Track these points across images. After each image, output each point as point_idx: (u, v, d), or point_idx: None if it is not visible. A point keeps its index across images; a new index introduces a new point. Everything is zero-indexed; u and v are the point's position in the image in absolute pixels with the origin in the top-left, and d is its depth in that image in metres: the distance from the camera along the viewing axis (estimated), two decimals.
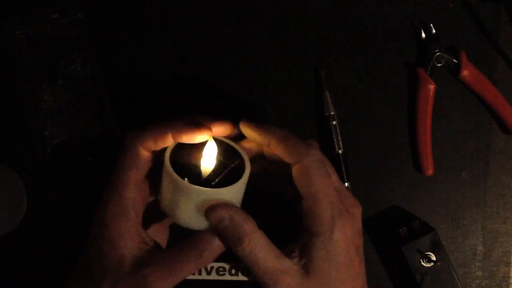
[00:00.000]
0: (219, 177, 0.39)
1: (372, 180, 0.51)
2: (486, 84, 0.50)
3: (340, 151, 0.50)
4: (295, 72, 0.51)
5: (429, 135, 0.50)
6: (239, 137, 0.42)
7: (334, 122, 0.50)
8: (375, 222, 0.50)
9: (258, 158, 0.42)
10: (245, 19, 0.51)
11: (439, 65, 0.50)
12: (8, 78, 0.50)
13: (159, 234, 0.43)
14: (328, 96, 0.50)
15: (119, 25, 0.51)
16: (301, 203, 0.38)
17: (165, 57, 0.51)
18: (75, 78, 0.50)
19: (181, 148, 0.40)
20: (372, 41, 0.51)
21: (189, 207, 0.37)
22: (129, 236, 0.37)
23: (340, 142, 0.50)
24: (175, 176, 0.36)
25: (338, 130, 0.50)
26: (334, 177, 0.39)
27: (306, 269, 0.36)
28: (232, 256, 0.39)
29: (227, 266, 0.45)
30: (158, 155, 0.39)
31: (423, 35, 0.51)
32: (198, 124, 0.38)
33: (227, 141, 0.41)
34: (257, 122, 0.40)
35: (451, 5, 0.51)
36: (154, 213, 0.41)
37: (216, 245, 0.37)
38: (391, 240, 0.49)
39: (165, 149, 0.39)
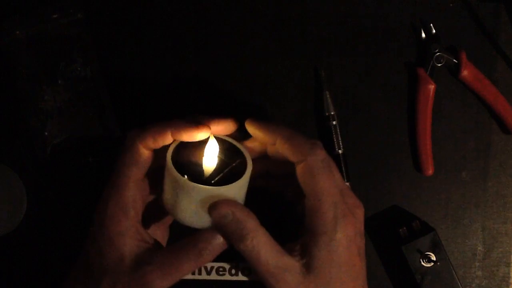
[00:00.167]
0: (220, 176, 0.40)
1: (372, 180, 0.51)
2: (486, 84, 0.50)
3: (340, 151, 0.50)
4: (295, 72, 0.51)
5: (429, 135, 0.50)
6: (243, 136, 0.42)
7: (334, 122, 0.50)
8: (375, 222, 0.50)
9: (261, 158, 0.42)
10: (245, 19, 0.51)
11: (439, 65, 0.50)
12: (8, 78, 0.50)
13: (159, 233, 0.43)
14: (328, 96, 0.50)
15: (119, 25, 0.51)
16: (303, 202, 0.38)
17: (165, 57, 0.51)
18: (75, 78, 0.50)
19: (183, 147, 0.40)
20: (372, 41, 0.51)
21: (190, 205, 0.37)
22: (128, 235, 0.37)
23: (340, 142, 0.50)
24: (177, 174, 0.37)
25: (338, 130, 0.50)
26: (338, 177, 0.39)
27: (307, 267, 0.36)
28: (232, 256, 0.39)
29: (227, 266, 0.45)
30: (158, 154, 0.40)
31: (423, 35, 0.51)
32: (197, 123, 0.38)
33: (230, 140, 0.41)
34: (263, 120, 0.40)
35: (451, 5, 0.51)
36: (154, 212, 0.41)
37: (216, 244, 0.37)
38: (391, 240, 0.49)
39: (166, 148, 0.39)
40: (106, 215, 0.37)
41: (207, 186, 0.37)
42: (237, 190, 0.38)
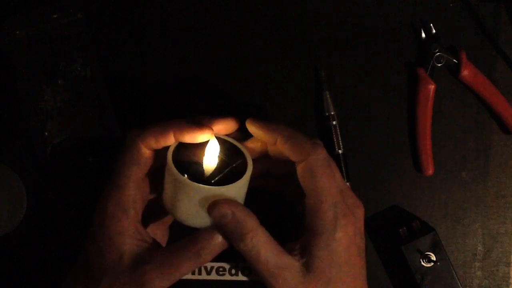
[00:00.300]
0: (220, 175, 0.40)
1: (372, 180, 0.51)
2: (486, 84, 0.50)
3: (340, 151, 0.50)
4: (295, 72, 0.51)
5: (429, 135, 0.50)
6: (243, 137, 0.42)
7: (334, 122, 0.50)
8: (375, 222, 0.50)
9: (261, 158, 0.42)
10: (245, 19, 0.51)
11: (439, 65, 0.50)
12: (8, 78, 0.50)
13: (158, 233, 0.43)
14: (328, 96, 0.50)
15: (119, 25, 0.51)
16: (304, 202, 0.38)
17: (165, 57, 0.51)
18: (75, 78, 0.50)
19: (183, 146, 0.40)
20: (372, 41, 0.51)
21: (190, 204, 0.37)
22: (128, 234, 0.37)
23: (340, 142, 0.50)
24: (177, 173, 0.37)
25: (338, 130, 0.50)
26: (338, 176, 0.39)
27: (307, 267, 0.36)
28: (232, 256, 0.39)
29: (227, 266, 0.45)
30: (158, 153, 0.40)
31: (423, 35, 0.51)
32: (200, 124, 0.38)
33: (230, 140, 0.41)
34: (264, 120, 0.40)
35: (451, 5, 0.51)
36: (154, 211, 0.41)
37: (216, 243, 0.37)
38: (391, 240, 0.49)
39: (167, 147, 0.39)
40: (106, 215, 0.37)
41: (207, 186, 0.37)
42: (237, 190, 0.38)
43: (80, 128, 0.50)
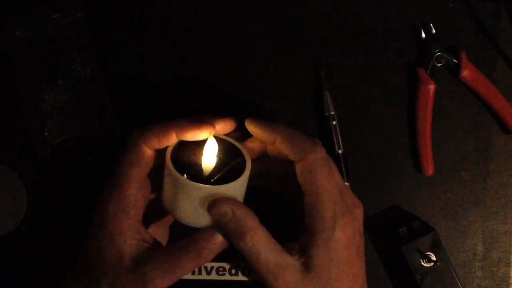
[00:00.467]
0: (219, 175, 0.40)
1: (372, 180, 0.51)
2: (486, 84, 0.50)
3: (340, 151, 0.50)
4: (295, 72, 0.51)
5: (429, 135, 0.50)
6: (243, 136, 0.42)
7: (334, 122, 0.50)
8: (375, 222, 0.50)
9: (261, 158, 0.42)
10: (245, 19, 0.51)
11: (439, 65, 0.50)
12: (8, 78, 0.50)
13: (159, 233, 0.43)
14: (328, 96, 0.50)
15: (119, 25, 0.51)
16: (303, 201, 0.38)
17: (165, 57, 0.51)
18: (75, 78, 0.50)
19: (182, 146, 0.40)
20: (372, 41, 0.51)
21: (189, 204, 0.37)
22: (129, 234, 0.37)
23: (340, 142, 0.50)
24: (176, 173, 0.37)
25: (338, 130, 0.50)
26: (337, 176, 0.39)
27: (307, 266, 0.36)
28: (232, 256, 0.39)
29: (227, 266, 0.45)
30: (161, 154, 0.40)
31: (423, 35, 0.51)
32: (202, 122, 0.38)
33: (229, 139, 0.41)
34: (263, 120, 0.40)
35: (451, 5, 0.51)
36: (154, 211, 0.41)
37: (216, 243, 0.37)
38: (391, 240, 0.49)
39: (167, 147, 0.39)
40: (106, 215, 0.37)
41: (207, 185, 0.37)
42: (236, 189, 0.38)
43: (80, 128, 0.50)
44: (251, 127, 0.41)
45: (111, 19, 0.51)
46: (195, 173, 0.39)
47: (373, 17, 0.51)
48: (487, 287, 0.50)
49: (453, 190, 0.51)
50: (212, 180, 0.39)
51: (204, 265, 0.44)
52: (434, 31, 0.51)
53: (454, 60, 0.50)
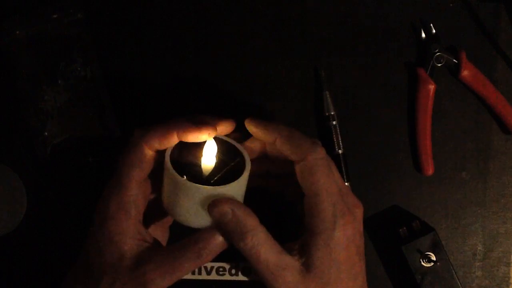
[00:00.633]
0: (218, 175, 0.40)
1: (372, 180, 0.51)
2: (486, 84, 0.50)
3: (340, 151, 0.50)
4: (295, 72, 0.51)
5: (429, 135, 0.50)
6: (243, 137, 0.42)
7: (334, 122, 0.50)
8: (375, 222, 0.50)
9: (260, 158, 0.42)
10: (245, 19, 0.51)
11: (439, 65, 0.50)
12: (8, 78, 0.50)
13: (159, 233, 0.43)
14: (328, 96, 0.50)
15: (119, 25, 0.51)
16: (303, 201, 0.38)
17: (165, 57, 0.51)
18: (75, 78, 0.50)
19: (181, 147, 0.40)
20: (372, 41, 0.51)
21: (188, 205, 0.37)
22: (129, 234, 0.37)
23: (340, 142, 0.50)
24: (175, 174, 0.37)
25: (338, 130, 0.50)
26: (337, 176, 0.39)
27: (307, 267, 0.36)
28: (232, 256, 0.39)
29: (227, 266, 0.45)
30: (161, 154, 0.40)
31: (423, 35, 0.51)
32: (203, 123, 0.38)
33: (228, 139, 0.41)
34: (263, 119, 0.40)
35: (451, 5, 0.51)
36: (154, 211, 0.41)
37: (216, 243, 0.37)
38: (391, 240, 0.49)
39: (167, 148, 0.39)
40: (107, 215, 0.37)
41: (206, 186, 0.37)
42: (236, 189, 0.38)
43: (80, 128, 0.50)
44: (251, 127, 0.41)
45: (111, 19, 0.51)
46: (195, 174, 0.39)
47: (373, 17, 0.51)
48: (487, 287, 0.50)
49: (453, 190, 0.51)
50: (211, 181, 0.39)
51: (204, 265, 0.44)
52: (434, 31, 0.51)
53: (454, 60, 0.50)
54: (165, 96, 0.51)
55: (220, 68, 0.51)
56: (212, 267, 0.45)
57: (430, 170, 0.50)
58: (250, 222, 0.36)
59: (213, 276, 0.45)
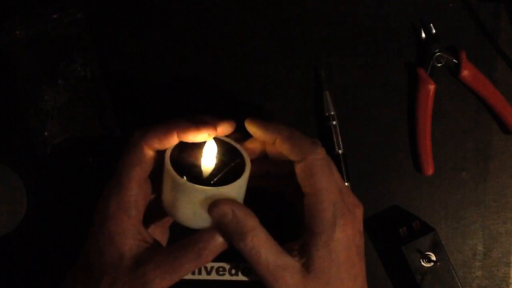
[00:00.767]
0: (218, 176, 0.40)
1: (372, 180, 0.51)
2: (486, 84, 0.50)
3: (340, 151, 0.50)
4: (295, 72, 0.51)
5: (429, 135, 0.50)
6: (243, 137, 0.42)
7: (334, 122, 0.50)
8: (375, 222, 0.50)
9: (260, 159, 0.42)
10: (245, 19, 0.51)
11: (439, 65, 0.50)
12: (8, 78, 0.50)
13: (159, 233, 0.43)
14: (328, 96, 0.50)
15: (119, 25, 0.51)
16: (303, 201, 0.38)
17: (165, 57, 0.51)
18: (75, 78, 0.50)
19: (181, 147, 0.40)
20: (372, 41, 0.51)
21: (188, 205, 0.37)
22: (129, 234, 0.37)
23: (340, 142, 0.50)
24: (174, 174, 0.37)
25: (338, 130, 0.50)
26: (337, 176, 0.39)
27: (307, 267, 0.36)
28: (232, 256, 0.39)
29: (227, 266, 0.45)
30: (162, 154, 0.40)
31: (423, 35, 0.51)
32: (204, 123, 0.38)
33: (228, 140, 0.41)
34: (263, 120, 0.40)
35: (451, 5, 0.51)
36: (154, 212, 0.41)
37: (216, 244, 0.37)
38: (391, 240, 0.49)
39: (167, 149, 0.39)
40: (107, 215, 0.37)
41: (207, 187, 0.37)
42: (236, 189, 0.38)
43: (80, 128, 0.50)
44: (251, 127, 0.41)
45: (111, 19, 0.51)
46: (195, 175, 0.39)
47: (373, 17, 0.51)
48: (487, 287, 0.50)
49: (453, 190, 0.51)
50: (211, 182, 0.39)
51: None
52: (434, 31, 0.51)
53: (454, 60, 0.50)
54: (165, 96, 0.51)
55: (220, 68, 0.51)
56: (212, 267, 0.45)
57: (430, 170, 0.50)
58: (250, 222, 0.36)
59: (213, 276, 0.45)
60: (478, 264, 0.50)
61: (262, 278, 0.37)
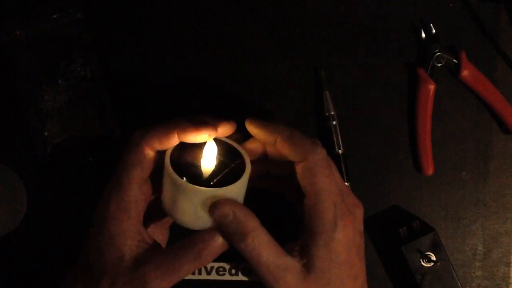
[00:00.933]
0: (219, 177, 0.40)
1: (372, 180, 0.51)
2: (486, 84, 0.50)
3: (340, 151, 0.50)
4: (295, 72, 0.51)
5: (429, 135, 0.50)
6: (243, 138, 0.42)
7: (334, 122, 0.50)
8: (375, 222, 0.50)
9: (261, 159, 0.42)
10: (245, 19, 0.51)
11: (439, 65, 0.50)
12: (8, 78, 0.50)
13: (159, 233, 0.43)
14: (328, 96, 0.50)
15: (119, 25, 0.51)
16: (303, 202, 0.38)
17: (165, 57, 0.51)
18: (75, 78, 0.50)
19: (181, 148, 0.40)
20: (372, 41, 0.51)
21: (188, 206, 0.37)
22: (129, 234, 0.37)
23: (340, 142, 0.50)
24: (175, 176, 0.37)
25: (338, 130, 0.50)
26: (337, 176, 0.39)
27: (307, 267, 0.36)
28: (232, 256, 0.39)
29: (227, 266, 0.45)
30: (162, 155, 0.40)
31: (423, 35, 0.51)
32: (204, 124, 0.38)
33: (228, 141, 0.41)
34: (263, 120, 0.40)
35: (451, 5, 0.51)
36: (154, 212, 0.41)
37: (216, 245, 0.37)
38: (391, 240, 0.49)
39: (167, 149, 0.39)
40: (107, 215, 0.37)
41: (207, 188, 0.37)
42: (236, 190, 0.38)
43: (80, 128, 0.50)
44: (251, 127, 0.41)
45: (111, 19, 0.51)
46: (195, 176, 0.39)
47: (373, 17, 0.51)
48: (487, 287, 0.51)
49: (453, 190, 0.51)
50: (211, 183, 0.39)
51: None
52: (434, 31, 0.51)
53: (454, 60, 0.50)
54: (165, 96, 0.51)
55: (220, 68, 0.51)
56: (212, 267, 0.45)
57: (430, 170, 0.50)
58: (251, 223, 0.36)
59: (213, 276, 0.45)
60: (478, 264, 0.51)
61: (262, 279, 0.37)
